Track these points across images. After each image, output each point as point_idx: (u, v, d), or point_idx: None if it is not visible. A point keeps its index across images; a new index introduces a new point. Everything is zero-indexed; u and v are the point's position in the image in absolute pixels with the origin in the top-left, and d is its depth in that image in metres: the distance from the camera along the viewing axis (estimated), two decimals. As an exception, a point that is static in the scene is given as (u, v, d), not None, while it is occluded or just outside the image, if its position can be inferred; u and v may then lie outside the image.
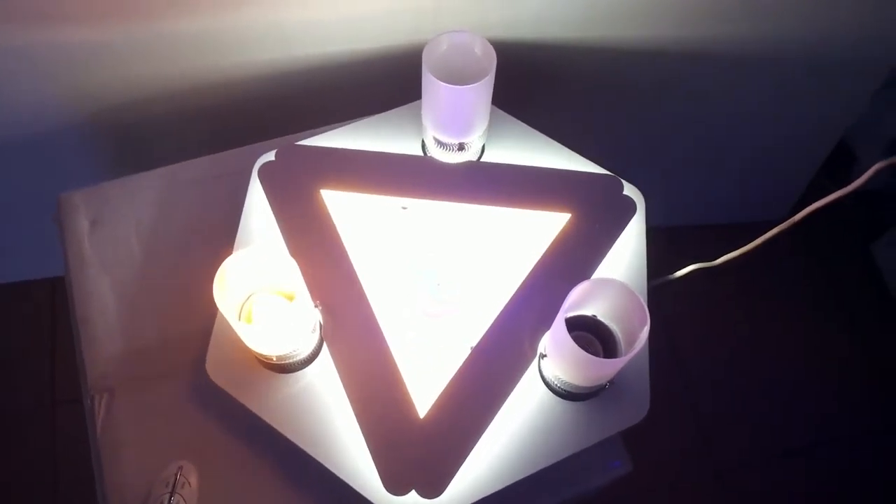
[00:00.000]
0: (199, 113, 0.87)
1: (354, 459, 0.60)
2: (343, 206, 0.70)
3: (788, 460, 1.23)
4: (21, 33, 0.71)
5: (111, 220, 0.74)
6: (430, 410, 0.61)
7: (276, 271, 0.57)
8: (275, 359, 0.60)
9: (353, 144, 0.73)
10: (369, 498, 0.58)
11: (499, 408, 0.61)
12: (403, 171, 0.71)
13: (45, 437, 1.12)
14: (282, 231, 0.68)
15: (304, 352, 0.61)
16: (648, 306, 0.53)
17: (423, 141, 0.73)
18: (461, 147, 0.70)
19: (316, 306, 0.62)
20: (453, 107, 0.65)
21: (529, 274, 0.66)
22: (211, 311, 0.67)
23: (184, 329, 0.69)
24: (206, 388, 0.65)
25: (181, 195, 0.76)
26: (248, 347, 0.62)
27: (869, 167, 1.34)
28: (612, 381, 0.61)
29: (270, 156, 0.71)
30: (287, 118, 0.80)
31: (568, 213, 0.70)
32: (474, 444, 0.60)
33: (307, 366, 0.63)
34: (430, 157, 0.72)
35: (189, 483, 0.61)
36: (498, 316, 0.65)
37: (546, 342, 0.61)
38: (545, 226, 0.69)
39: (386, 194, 0.70)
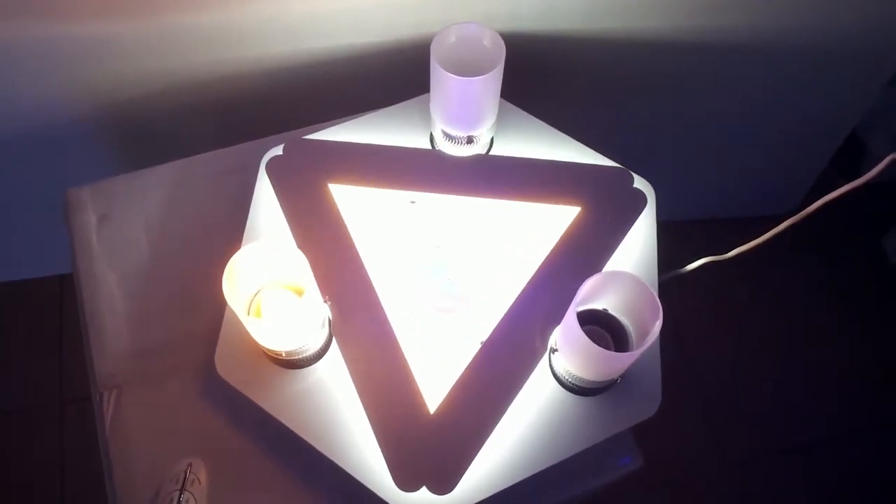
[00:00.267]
0: (207, 107, 0.86)
1: (364, 456, 0.59)
2: (351, 200, 0.69)
3: (793, 457, 1.22)
4: (27, 28, 0.71)
5: (119, 216, 0.74)
6: (441, 406, 0.60)
7: (285, 266, 0.57)
8: (284, 354, 0.59)
9: (360, 138, 0.72)
10: (380, 494, 0.58)
11: (509, 403, 0.61)
12: (412, 164, 0.71)
13: (53, 435, 1.12)
14: (290, 226, 0.67)
15: (313, 347, 0.61)
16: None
17: (431, 134, 0.73)
18: (470, 140, 0.69)
19: (325, 301, 0.62)
20: (462, 99, 0.65)
21: (539, 268, 0.66)
22: (219, 306, 0.67)
23: (192, 325, 0.69)
24: (215, 385, 0.65)
25: (189, 190, 0.75)
26: (257, 343, 0.62)
27: (879, 159, 1.32)
28: (623, 376, 0.60)
29: (278, 150, 0.71)
30: (294, 112, 0.79)
31: (578, 206, 0.69)
32: (485, 440, 0.59)
33: (316, 362, 0.63)
34: (439, 150, 0.72)
35: (199, 480, 0.61)
36: (508, 310, 0.64)
37: (557, 337, 0.60)
38: (555, 219, 0.69)
39: (394, 188, 0.70)
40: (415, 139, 0.73)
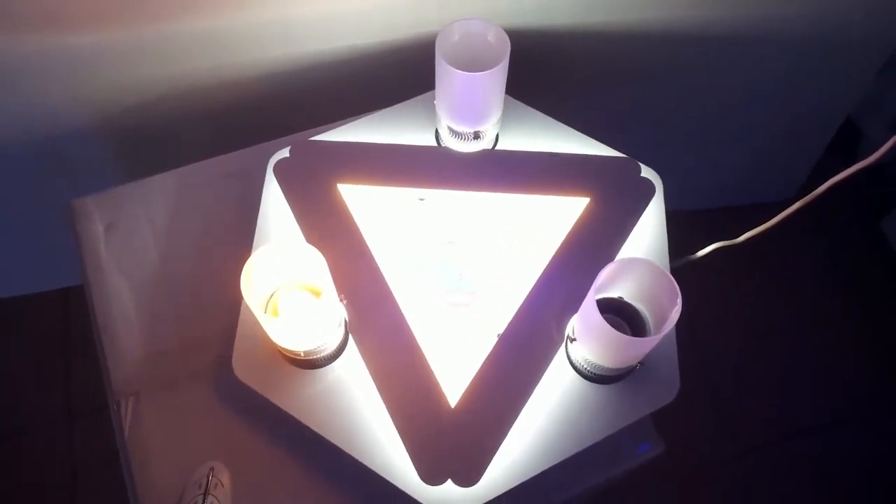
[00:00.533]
0: (208, 113, 0.86)
1: (388, 452, 0.59)
2: (360, 199, 0.69)
3: (802, 441, 1.23)
4: (23, 40, 0.71)
5: (126, 224, 0.74)
6: (462, 399, 0.60)
7: (302, 266, 0.57)
8: (302, 354, 0.59)
9: (366, 138, 0.72)
10: (406, 490, 0.58)
11: (530, 394, 0.61)
12: (419, 162, 0.71)
13: (63, 450, 1.12)
14: (301, 227, 0.67)
15: (330, 346, 0.61)
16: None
17: (436, 132, 0.73)
18: (476, 136, 0.70)
19: (341, 300, 0.62)
20: (468, 94, 0.65)
21: (552, 259, 0.66)
22: (232, 309, 0.67)
23: (206, 329, 0.69)
24: (232, 388, 0.64)
25: (195, 196, 0.75)
26: (273, 345, 0.62)
27: (876, 143, 1.34)
28: (642, 362, 0.60)
29: (285, 152, 0.71)
30: (294, 116, 0.79)
31: (587, 197, 0.69)
32: (507, 431, 0.59)
33: (333, 361, 0.63)
34: (446, 147, 0.72)
35: (222, 483, 0.61)
36: (523, 302, 0.64)
37: (574, 326, 0.60)
38: (564, 211, 0.69)
39: (403, 186, 0.70)
40: (420, 137, 0.73)
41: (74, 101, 0.80)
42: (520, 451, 0.60)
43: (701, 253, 0.70)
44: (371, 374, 0.61)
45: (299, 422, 0.60)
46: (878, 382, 1.28)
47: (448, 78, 0.64)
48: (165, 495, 0.61)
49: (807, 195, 0.71)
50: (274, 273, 0.58)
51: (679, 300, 0.52)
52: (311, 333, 0.57)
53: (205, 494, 0.59)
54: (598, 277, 0.53)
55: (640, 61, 0.94)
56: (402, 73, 0.82)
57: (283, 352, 0.61)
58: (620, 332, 0.59)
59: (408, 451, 0.58)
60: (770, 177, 1.33)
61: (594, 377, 0.62)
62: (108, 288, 0.70)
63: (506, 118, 0.73)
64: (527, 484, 0.59)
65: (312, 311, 0.57)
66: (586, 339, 0.57)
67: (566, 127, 0.74)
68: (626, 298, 0.60)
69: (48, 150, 0.86)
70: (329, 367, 0.63)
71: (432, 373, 0.61)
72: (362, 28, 0.81)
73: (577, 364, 0.62)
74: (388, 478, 0.58)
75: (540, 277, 0.65)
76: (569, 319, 0.63)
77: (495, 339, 0.63)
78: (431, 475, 0.58)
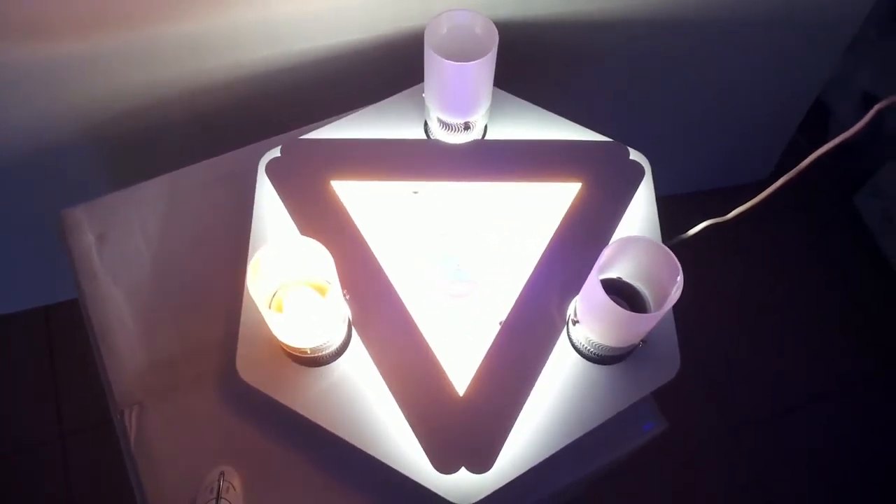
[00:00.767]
0: (196, 117, 0.86)
1: (399, 445, 0.59)
2: (354, 195, 0.69)
3: (795, 416, 1.26)
4: (8, 49, 0.70)
5: (118, 233, 0.73)
6: (469, 387, 0.61)
7: (307, 262, 0.57)
8: (309, 351, 0.59)
9: (356, 135, 0.72)
10: (420, 481, 0.58)
11: (536, 378, 0.61)
12: (411, 155, 0.71)
13: (58, 470, 1.09)
14: (297, 225, 0.67)
15: (335, 343, 0.61)
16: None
17: (425, 125, 0.73)
18: (467, 126, 0.70)
19: (344, 296, 0.62)
20: (459, 85, 0.65)
21: (549, 244, 0.67)
22: (231, 312, 0.67)
23: (205, 333, 0.68)
24: (237, 390, 0.64)
25: (186, 200, 0.75)
26: (277, 345, 0.62)
27: (845, 121, 1.37)
28: (644, 340, 0.61)
29: (276, 152, 0.71)
30: (284, 115, 0.79)
31: (578, 182, 0.70)
32: (517, 416, 0.60)
33: (338, 357, 0.63)
34: (437, 139, 0.72)
35: (233, 486, 0.60)
36: (523, 289, 0.65)
37: (577, 308, 0.61)
38: (557, 197, 0.70)
39: (396, 180, 0.70)
40: (409, 131, 0.74)
41: (60, 110, 0.79)
42: (529, 435, 0.60)
43: (692, 231, 0.72)
44: (378, 367, 0.61)
45: (306, 420, 0.60)
46: (863, 355, 1.31)
47: (438, 69, 0.64)
48: (177, 502, 0.61)
49: (784, 174, 0.72)
50: (278, 270, 0.57)
51: (680, 275, 0.53)
52: (319, 329, 0.57)
53: (217, 499, 0.59)
54: (600, 256, 0.54)
55: (618, 49, 0.96)
56: (388, 68, 0.83)
57: (289, 350, 0.60)
58: (623, 310, 0.60)
59: (419, 441, 0.59)
60: (745, 159, 1.36)
61: (597, 358, 0.62)
62: (104, 298, 0.69)
63: (492, 109, 0.73)
64: (537, 468, 0.60)
65: (320, 306, 0.57)
66: (590, 319, 0.58)
67: (551, 114, 0.75)
68: (626, 278, 0.61)
69: (32, 163, 0.85)
70: (334, 364, 0.63)
71: (438, 363, 0.62)
72: (346, 25, 0.81)
73: (579, 346, 0.63)
74: (401, 470, 0.58)
75: (538, 263, 0.66)
76: (569, 302, 0.64)
77: (497, 327, 0.64)
78: (445, 464, 0.58)
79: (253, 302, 0.63)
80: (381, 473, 0.59)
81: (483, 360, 0.62)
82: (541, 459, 0.59)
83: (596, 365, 0.63)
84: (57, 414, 1.13)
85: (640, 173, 0.71)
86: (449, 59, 0.62)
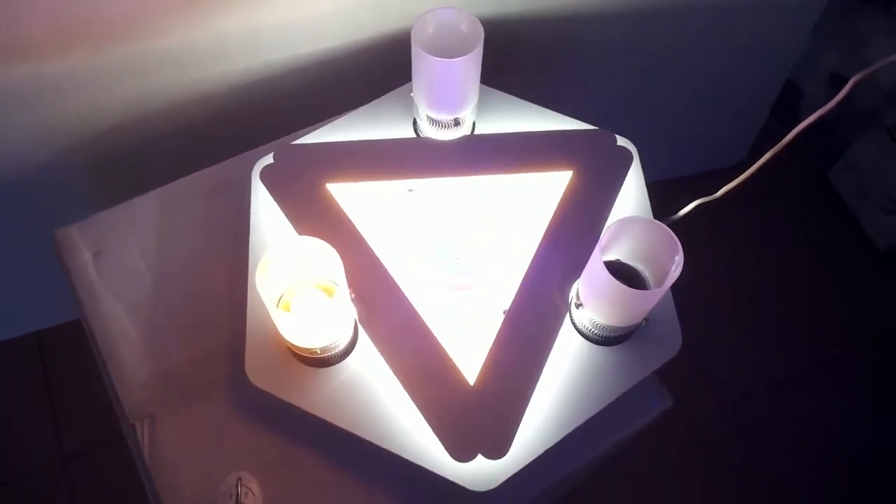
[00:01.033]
0: (183, 130, 0.86)
1: (414, 438, 0.60)
2: (350, 197, 0.70)
3: (786, 388, 1.28)
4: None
5: (114, 249, 0.73)
6: (479, 376, 0.62)
7: (313, 263, 0.58)
8: (319, 351, 0.60)
9: (346, 137, 0.73)
10: (437, 472, 0.59)
11: (544, 362, 0.63)
12: (405, 154, 0.72)
13: (61, 495, 1.08)
14: (296, 229, 0.68)
15: (343, 342, 0.62)
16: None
17: (414, 123, 0.74)
18: (457, 122, 0.71)
19: (350, 296, 0.63)
20: (448, 81, 0.67)
21: (546, 232, 0.68)
22: (235, 319, 0.67)
23: (209, 341, 0.68)
24: (246, 396, 0.65)
25: (180, 213, 0.75)
26: (285, 348, 0.62)
27: (815, 101, 1.41)
28: (647, 318, 0.63)
29: (269, 159, 0.71)
30: (271, 124, 0.79)
31: (569, 170, 0.72)
32: (528, 400, 0.61)
33: (347, 357, 0.63)
34: (427, 137, 0.73)
35: (252, 491, 0.60)
36: (524, 277, 0.66)
37: (579, 291, 0.62)
38: (549, 186, 0.71)
39: (391, 179, 0.71)
40: (399, 131, 0.74)
41: (45, 131, 0.79)
42: (541, 419, 0.61)
43: (683, 212, 0.73)
44: (388, 363, 0.62)
45: (318, 420, 0.61)
46: (848, 328, 1.34)
47: (427, 67, 0.65)
48: (196, 511, 0.61)
49: (758, 157, 0.74)
50: (285, 272, 0.58)
51: (680, 252, 0.55)
52: (328, 329, 0.58)
53: (237, 504, 0.59)
54: (602, 237, 0.55)
55: (595, 42, 0.97)
56: (373, 71, 0.84)
57: (297, 352, 0.61)
58: (624, 291, 0.61)
59: (435, 432, 0.59)
60: (720, 144, 1.38)
61: (601, 340, 0.64)
62: (106, 314, 0.69)
63: (479, 105, 0.74)
64: (550, 450, 0.61)
65: (328, 305, 0.57)
66: (594, 301, 0.59)
67: (538, 106, 0.77)
68: (624, 259, 0.63)
69: (17, 187, 0.84)
70: (343, 364, 0.63)
71: (447, 355, 0.63)
72: (329, 31, 0.82)
73: (583, 329, 0.64)
74: (418, 462, 0.59)
75: (536, 251, 0.67)
76: (570, 287, 0.65)
77: (502, 317, 0.65)
78: (461, 452, 0.59)
79: (258, 307, 0.63)
80: (398, 468, 0.60)
81: (491, 349, 0.63)
82: (554, 442, 0.61)
83: (600, 347, 0.64)
84: (56, 437, 1.12)
85: (628, 158, 0.73)
86: (437, 56, 0.63)
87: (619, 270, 0.63)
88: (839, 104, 0.73)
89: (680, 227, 0.76)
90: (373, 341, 0.63)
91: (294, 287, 0.61)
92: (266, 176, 0.70)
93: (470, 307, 0.67)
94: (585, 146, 0.73)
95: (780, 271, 1.40)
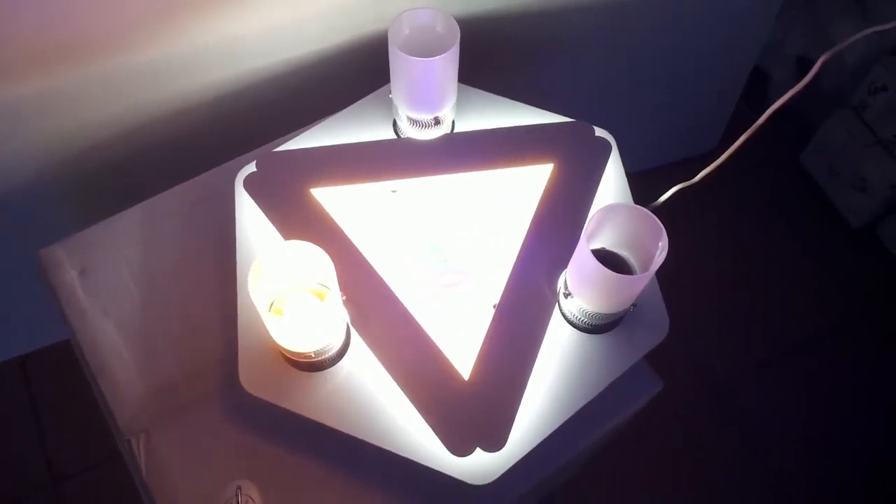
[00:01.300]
0: (163, 144, 0.85)
1: (412, 435, 0.60)
2: (335, 201, 0.70)
3: (769, 370, 1.30)
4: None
5: (100, 265, 0.72)
6: (473, 371, 0.62)
7: (304, 267, 0.58)
8: (313, 355, 0.60)
9: (327, 142, 0.73)
10: (437, 468, 0.59)
11: (536, 353, 0.63)
12: (387, 155, 0.73)
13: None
14: (283, 236, 0.68)
15: (336, 344, 0.62)
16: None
17: (394, 124, 0.75)
18: (437, 121, 0.72)
19: (342, 299, 0.63)
20: (427, 81, 0.67)
21: (531, 224, 0.69)
22: (226, 329, 0.67)
23: (200, 353, 0.68)
24: (241, 405, 0.65)
25: (165, 226, 0.75)
26: (278, 355, 0.62)
27: (783, 86, 1.43)
28: (635, 304, 0.64)
29: (251, 167, 0.71)
30: (250, 132, 0.79)
31: (550, 162, 0.72)
32: (523, 392, 0.62)
33: (340, 360, 0.64)
34: (408, 137, 0.74)
35: (252, 499, 0.60)
36: (512, 270, 0.67)
37: (567, 281, 0.63)
38: (531, 179, 0.72)
39: (375, 181, 0.72)
40: (379, 133, 0.75)
41: (25, 150, 0.78)
42: (536, 410, 0.62)
43: (663, 198, 0.74)
44: (382, 363, 0.62)
45: (315, 424, 0.61)
46: (828, 306, 1.37)
47: (405, 67, 0.66)
48: (197, 523, 0.61)
49: (731, 143, 0.75)
50: (276, 276, 0.58)
51: (665, 237, 0.56)
52: (321, 331, 0.58)
53: (239, 512, 0.59)
54: (588, 224, 0.56)
55: (566, 37, 0.99)
56: (349, 75, 0.84)
57: (291, 357, 0.61)
58: (611, 278, 0.62)
59: (432, 428, 0.60)
60: (693, 132, 1.40)
61: (591, 328, 0.65)
62: (95, 332, 0.69)
63: (457, 103, 0.75)
64: (547, 440, 0.61)
65: (321, 308, 0.58)
66: (582, 289, 0.60)
67: (515, 102, 0.77)
68: (610, 247, 0.64)
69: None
70: (337, 367, 0.63)
71: (441, 352, 0.63)
72: (303, 38, 0.82)
73: (572, 318, 0.65)
74: (417, 459, 0.59)
75: (523, 243, 0.68)
76: (558, 277, 0.66)
77: (492, 310, 0.66)
78: (460, 447, 0.59)
79: (249, 315, 0.64)
80: (397, 466, 0.60)
81: (483, 343, 0.64)
82: (551, 431, 0.61)
83: (590, 335, 0.65)
84: (46, 460, 1.11)
85: (607, 149, 0.74)
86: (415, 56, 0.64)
87: (605, 258, 0.64)
88: (805, 87, 0.75)
89: (660, 215, 0.78)
90: (366, 342, 0.63)
91: (285, 293, 0.61)
92: (249, 184, 0.70)
93: (460, 303, 0.68)
94: (565, 138, 0.74)
95: (759, 254, 1.43)
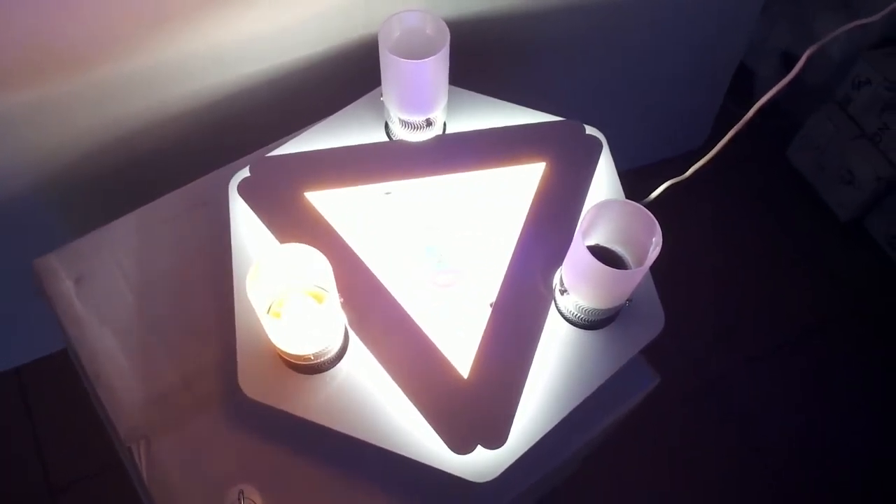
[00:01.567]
0: (156, 151, 0.85)
1: (413, 435, 0.61)
2: (329, 204, 0.71)
3: (759, 363, 1.31)
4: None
5: (95, 274, 0.72)
6: (472, 369, 0.63)
7: (302, 270, 0.58)
8: (312, 357, 0.60)
9: (320, 146, 0.74)
10: (438, 466, 0.59)
11: (534, 350, 0.64)
12: (380, 157, 0.73)
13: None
14: (278, 240, 0.68)
15: (335, 346, 0.62)
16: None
17: (386, 127, 0.75)
18: (428, 123, 0.72)
19: (340, 301, 0.63)
20: (418, 83, 0.68)
21: (525, 223, 0.69)
22: (223, 334, 0.67)
23: (200, 359, 0.68)
24: (240, 409, 0.65)
25: (159, 232, 0.75)
26: (277, 358, 0.62)
27: (768, 82, 1.45)
28: (630, 299, 0.64)
29: (245, 172, 0.71)
30: (243, 138, 0.79)
31: (542, 161, 0.73)
32: (522, 389, 0.62)
33: (339, 362, 0.64)
34: (401, 139, 0.74)
35: (255, 503, 0.61)
36: (507, 268, 0.67)
37: (562, 278, 0.63)
38: (524, 178, 0.73)
39: (368, 183, 0.72)
40: (371, 136, 0.75)
41: (16, 161, 0.78)
42: (535, 407, 0.62)
43: (655, 194, 0.75)
44: (382, 364, 0.63)
45: (316, 426, 0.61)
46: (818, 300, 1.38)
47: (397, 70, 0.66)
48: (200, 528, 0.61)
49: (717, 140, 0.76)
50: (273, 279, 0.58)
51: (658, 231, 0.56)
52: (320, 333, 0.58)
53: (242, 516, 0.59)
54: (582, 221, 0.57)
55: (555, 37, 0.99)
56: (340, 79, 0.84)
57: (290, 359, 0.61)
58: (606, 273, 0.63)
59: (433, 427, 0.60)
60: (680, 129, 1.42)
61: (587, 324, 0.65)
62: (93, 340, 0.69)
63: (448, 105, 0.75)
64: (547, 437, 0.62)
65: (319, 310, 0.58)
66: (578, 285, 0.61)
67: (505, 102, 0.78)
68: (604, 243, 0.64)
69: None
70: (336, 369, 0.64)
71: (439, 351, 0.63)
72: (294, 43, 0.83)
73: (569, 315, 0.65)
74: (418, 459, 0.60)
75: (517, 242, 0.69)
76: (553, 275, 0.66)
77: (489, 309, 0.66)
78: (461, 445, 0.60)
79: (247, 320, 0.64)
80: (398, 466, 0.61)
81: (481, 342, 0.64)
82: (551, 427, 0.62)
83: (587, 331, 0.66)
84: (44, 471, 1.10)
85: (598, 146, 0.75)
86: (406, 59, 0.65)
87: (599, 254, 0.64)
88: (790, 83, 0.76)
89: (652, 211, 0.79)
90: (365, 344, 0.64)
91: (282, 296, 0.62)
92: (244, 189, 0.71)
93: (457, 303, 0.68)
94: (556, 137, 0.74)
95: (749, 250, 1.44)
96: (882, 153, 1.30)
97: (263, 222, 0.69)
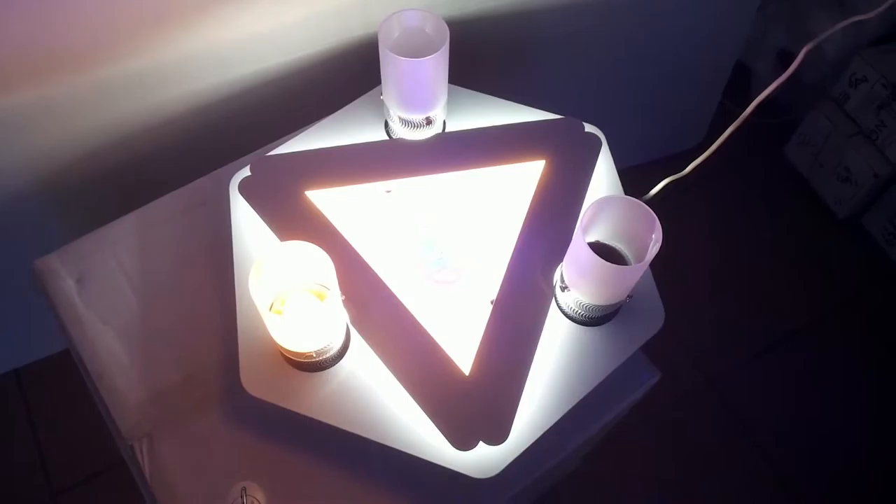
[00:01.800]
0: (155, 151, 0.86)
1: (415, 432, 0.61)
2: (330, 202, 0.71)
3: (762, 360, 1.32)
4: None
5: (96, 273, 0.72)
6: (474, 366, 0.63)
7: (304, 267, 0.58)
8: (314, 354, 0.60)
9: (321, 145, 0.74)
10: (441, 463, 0.60)
11: (535, 347, 0.64)
12: (380, 156, 0.73)
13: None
14: (279, 239, 0.68)
15: (337, 344, 0.62)
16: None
17: (385, 125, 0.76)
18: (428, 121, 0.73)
19: (342, 299, 0.63)
20: (418, 81, 0.68)
21: (525, 220, 0.70)
22: (224, 332, 0.67)
23: (201, 357, 0.69)
24: (242, 406, 0.66)
25: (160, 232, 0.75)
26: (279, 356, 0.63)
27: (765, 80, 1.45)
28: (631, 295, 0.65)
29: (246, 171, 0.72)
30: (243, 138, 0.80)
31: (542, 159, 0.73)
32: (524, 385, 0.62)
33: (340, 359, 0.64)
34: (401, 138, 0.74)
35: (258, 500, 0.61)
36: (508, 265, 0.68)
37: (563, 274, 0.64)
38: (524, 176, 0.73)
39: (369, 182, 0.72)
40: (371, 134, 0.75)
41: (16, 161, 0.78)
42: (537, 402, 0.63)
43: (654, 190, 0.76)
44: (384, 362, 0.63)
45: (318, 424, 0.61)
46: (815, 297, 1.39)
47: (396, 69, 0.66)
48: (203, 526, 0.61)
49: (715, 138, 0.76)
50: (275, 277, 0.59)
51: (658, 227, 0.57)
52: (323, 331, 0.58)
53: (244, 514, 0.59)
54: (583, 217, 0.57)
55: (553, 36, 1.00)
56: (339, 78, 0.85)
57: (293, 357, 0.61)
58: (606, 270, 0.63)
59: (436, 424, 0.60)
60: (678, 127, 1.42)
61: (588, 320, 0.65)
62: (94, 339, 0.69)
63: (448, 103, 0.76)
64: (548, 433, 0.62)
65: (322, 307, 0.58)
66: (579, 281, 0.61)
67: (504, 101, 0.78)
68: (604, 240, 0.64)
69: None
70: (338, 366, 0.64)
71: (441, 348, 0.64)
72: (293, 42, 0.83)
73: (569, 312, 0.66)
74: (421, 455, 0.60)
75: (518, 239, 0.69)
76: (553, 271, 0.67)
77: (490, 306, 0.66)
78: (463, 441, 0.60)
79: (249, 318, 0.64)
80: (400, 463, 0.61)
81: (482, 339, 0.64)
82: (552, 423, 0.62)
83: (587, 327, 0.66)
84: (45, 473, 1.10)
85: (597, 144, 0.75)
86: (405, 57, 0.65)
87: (600, 251, 0.64)
88: (787, 81, 0.77)
89: (651, 208, 0.79)
90: (367, 341, 0.64)
91: (284, 294, 0.62)
92: (244, 188, 0.71)
93: (458, 300, 0.69)
94: (555, 135, 0.75)
95: (747, 247, 1.44)
96: (879, 150, 1.31)
97: (265, 221, 0.69)
